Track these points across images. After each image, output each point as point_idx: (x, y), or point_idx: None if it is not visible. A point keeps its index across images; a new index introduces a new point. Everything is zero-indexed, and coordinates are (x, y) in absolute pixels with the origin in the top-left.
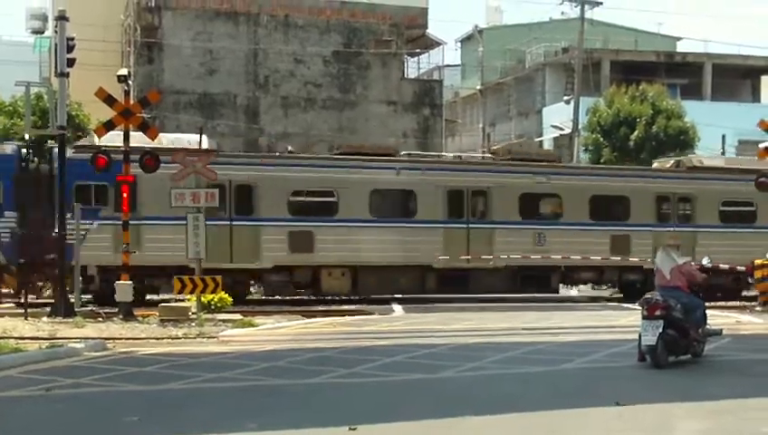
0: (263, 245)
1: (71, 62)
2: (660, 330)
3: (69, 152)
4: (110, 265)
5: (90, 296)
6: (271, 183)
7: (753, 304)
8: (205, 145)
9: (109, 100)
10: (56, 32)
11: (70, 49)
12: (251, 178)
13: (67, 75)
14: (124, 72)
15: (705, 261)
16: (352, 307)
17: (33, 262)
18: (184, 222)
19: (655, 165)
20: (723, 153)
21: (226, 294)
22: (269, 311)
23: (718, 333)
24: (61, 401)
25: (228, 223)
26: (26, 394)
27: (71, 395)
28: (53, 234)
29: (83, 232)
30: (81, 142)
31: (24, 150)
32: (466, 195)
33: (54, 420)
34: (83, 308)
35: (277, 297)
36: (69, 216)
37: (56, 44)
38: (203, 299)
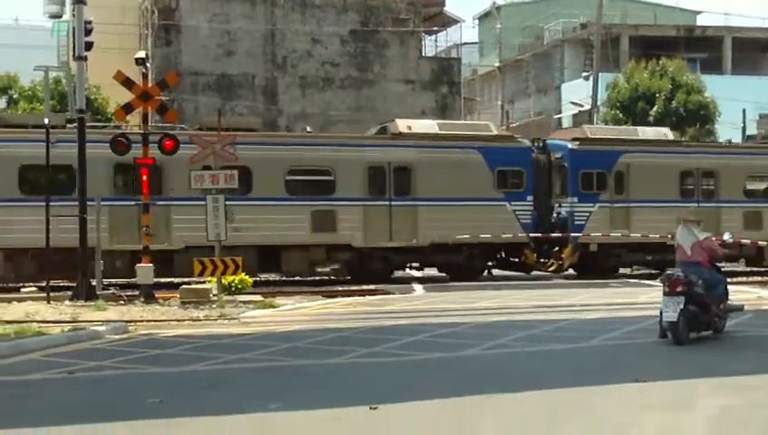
0: (723, 224)
1: (88, 46)
2: (681, 306)
3: (573, 144)
4: (605, 242)
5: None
6: (731, 169)
7: None
8: (670, 137)
9: (127, 83)
10: (74, 15)
11: (87, 33)
12: (713, 165)
13: (85, 59)
14: (142, 54)
15: (726, 236)
16: (372, 287)
17: (539, 239)
18: (664, 204)
19: None
20: (744, 127)
21: None
22: (289, 292)
23: (740, 308)
24: (83, 383)
25: (696, 205)
26: (49, 377)
27: (93, 378)
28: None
29: (587, 214)
30: (583, 135)
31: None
32: None
33: (77, 402)
34: (105, 291)
35: (297, 278)
36: (575, 199)
37: (74, 28)
38: (223, 281)
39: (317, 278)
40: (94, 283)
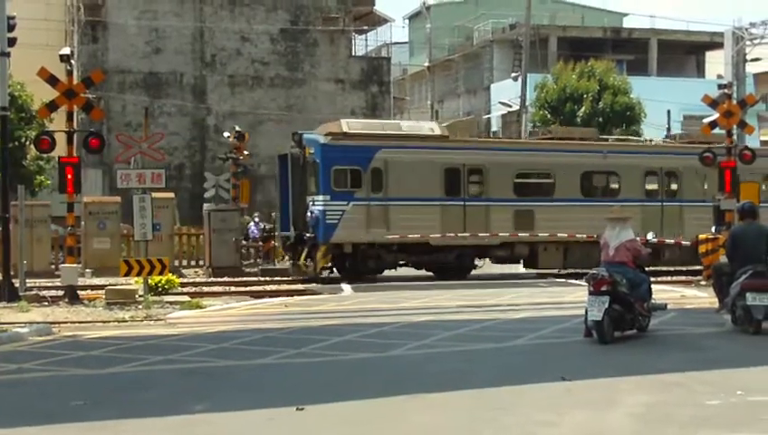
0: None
1: (12, 42)
2: (606, 305)
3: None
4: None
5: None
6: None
7: (697, 278)
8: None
9: (51, 80)
10: None
11: (11, 28)
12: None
13: (8, 55)
14: (66, 51)
15: (649, 236)
16: (301, 287)
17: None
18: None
19: None
20: (668, 129)
21: None
22: (217, 292)
23: (663, 307)
24: (4, 386)
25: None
26: None
27: (14, 381)
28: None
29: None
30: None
31: None
32: None
33: None
34: (28, 292)
35: (226, 278)
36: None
37: None
38: (150, 281)
39: (244, 279)
40: (17, 283)
